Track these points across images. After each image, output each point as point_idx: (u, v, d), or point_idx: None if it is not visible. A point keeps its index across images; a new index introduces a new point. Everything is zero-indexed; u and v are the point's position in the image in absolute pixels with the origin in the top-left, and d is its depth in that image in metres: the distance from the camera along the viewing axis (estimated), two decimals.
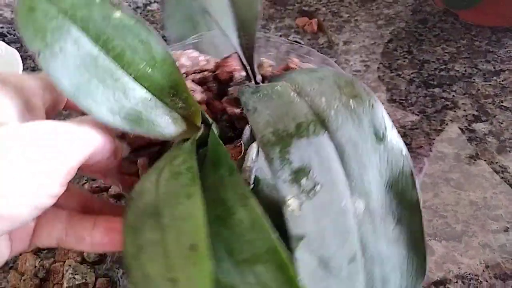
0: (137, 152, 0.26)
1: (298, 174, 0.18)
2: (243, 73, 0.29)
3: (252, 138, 0.24)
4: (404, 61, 0.57)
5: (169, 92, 0.23)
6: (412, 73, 0.55)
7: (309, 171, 0.18)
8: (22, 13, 0.18)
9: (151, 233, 0.17)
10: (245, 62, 0.27)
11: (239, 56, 0.26)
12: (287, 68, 0.31)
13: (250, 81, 0.28)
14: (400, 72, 0.55)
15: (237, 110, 0.27)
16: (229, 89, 0.28)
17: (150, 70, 0.22)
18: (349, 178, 0.18)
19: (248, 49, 0.26)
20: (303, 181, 0.18)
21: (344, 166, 0.18)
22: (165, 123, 0.22)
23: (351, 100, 0.19)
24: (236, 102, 0.27)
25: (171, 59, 0.22)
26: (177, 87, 0.23)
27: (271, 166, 0.18)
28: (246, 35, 0.26)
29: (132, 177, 0.26)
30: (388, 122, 0.19)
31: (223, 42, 0.34)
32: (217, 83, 0.29)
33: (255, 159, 0.21)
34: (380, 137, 0.19)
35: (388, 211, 0.19)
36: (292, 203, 0.17)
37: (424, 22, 0.63)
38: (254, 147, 0.22)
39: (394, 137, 0.19)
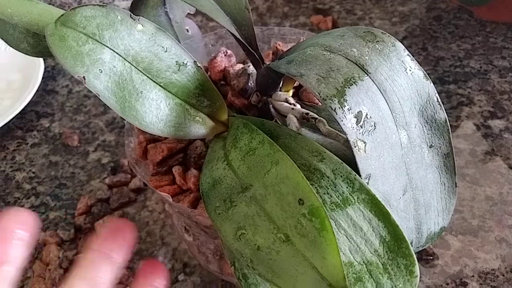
0: (162, 164, 0.27)
1: (359, 117, 0.20)
2: (238, 67, 0.29)
3: (280, 114, 0.26)
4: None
5: (195, 92, 0.24)
6: (427, 70, 0.55)
7: (366, 113, 0.20)
8: (56, 44, 0.19)
9: (247, 208, 0.19)
10: (252, 50, 0.27)
11: (244, 46, 0.27)
12: (275, 52, 0.32)
13: (257, 68, 0.28)
14: None
15: (245, 101, 0.28)
16: (232, 82, 0.29)
17: (175, 75, 0.23)
18: (393, 113, 0.21)
19: (249, 39, 0.27)
20: (364, 123, 0.20)
21: (388, 102, 0.21)
22: (197, 125, 0.24)
23: (376, 44, 0.21)
24: (241, 93, 0.28)
25: (192, 60, 0.23)
26: (201, 86, 0.24)
27: (336, 116, 0.19)
28: (244, 27, 0.27)
29: (166, 187, 0.27)
30: (409, 55, 0.22)
31: (201, 46, 0.35)
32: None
33: (298, 126, 0.23)
34: (407, 69, 0.21)
35: (422, 138, 0.22)
36: (360, 145, 0.19)
37: (439, 19, 0.63)
38: (291, 117, 0.24)
39: (416, 67, 0.22)
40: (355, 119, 0.20)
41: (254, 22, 0.66)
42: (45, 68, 0.59)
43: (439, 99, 0.22)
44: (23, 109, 0.53)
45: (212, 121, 0.25)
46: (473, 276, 0.37)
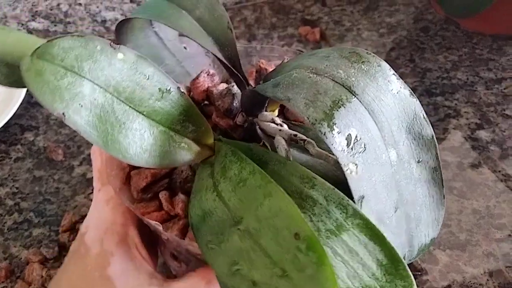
0: (147, 190, 0.27)
1: (349, 140, 0.20)
2: (221, 86, 0.29)
3: (267, 135, 0.26)
4: (406, 69, 0.57)
5: (179, 118, 0.23)
6: (414, 82, 0.55)
7: (355, 135, 0.20)
8: (32, 79, 0.18)
9: (241, 243, 0.18)
10: (235, 71, 0.27)
11: (227, 67, 0.27)
12: (259, 70, 0.32)
13: (241, 88, 0.28)
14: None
15: (230, 122, 0.27)
16: (217, 102, 0.29)
17: (159, 103, 0.22)
18: (382, 132, 0.21)
19: (233, 59, 0.27)
20: (354, 145, 0.20)
21: (376, 122, 0.21)
22: (182, 151, 0.23)
23: (362, 65, 0.22)
24: (226, 114, 0.28)
25: (175, 86, 0.23)
26: (186, 111, 0.23)
27: (327, 140, 0.19)
28: (227, 47, 0.27)
29: (154, 213, 0.26)
30: (394, 74, 0.22)
31: (207, 63, 0.35)
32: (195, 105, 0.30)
33: (287, 148, 0.23)
34: (393, 89, 0.22)
35: (410, 154, 0.22)
36: (351, 167, 0.19)
37: (426, 30, 0.63)
38: (279, 139, 0.24)
39: (402, 86, 0.22)
40: (346, 142, 0.20)
41: (243, 33, 0.66)
42: None
43: (425, 116, 0.22)
44: (6, 122, 0.52)
45: (198, 146, 0.24)
46: None
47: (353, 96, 0.20)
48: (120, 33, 0.28)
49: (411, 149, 0.22)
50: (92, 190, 0.46)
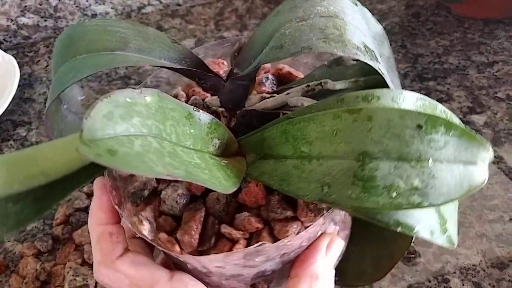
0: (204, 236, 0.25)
1: (364, 47, 0.23)
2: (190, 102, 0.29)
3: (268, 113, 0.27)
4: (398, 55, 0.57)
5: (208, 138, 0.23)
6: (406, 67, 0.55)
7: (365, 43, 0.24)
8: (114, 161, 0.16)
9: (385, 170, 0.20)
10: (207, 73, 0.27)
11: (194, 75, 0.27)
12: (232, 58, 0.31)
13: (219, 86, 0.28)
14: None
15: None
16: None
17: (193, 131, 0.22)
18: (367, 36, 0.25)
19: (198, 64, 0.26)
20: (367, 50, 0.24)
21: (361, 30, 0.24)
22: (227, 169, 0.22)
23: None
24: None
25: (189, 107, 0.22)
26: (208, 128, 0.23)
27: (366, 55, 0.24)
28: (185, 59, 0.26)
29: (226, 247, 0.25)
30: None
31: None
32: None
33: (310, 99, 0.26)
34: (356, 4, 0.26)
35: (377, 50, 0.25)
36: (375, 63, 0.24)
37: (417, 16, 0.63)
38: (296, 99, 0.26)
39: (356, 2, 0.26)
40: (364, 48, 0.23)
41: (234, 24, 0.66)
42: (21, 76, 0.58)
43: (372, 16, 0.27)
44: None
45: (230, 157, 0.24)
46: (454, 272, 0.37)
47: (343, 19, 0.24)
48: (48, 120, 0.27)
49: (376, 45, 0.25)
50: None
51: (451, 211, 0.23)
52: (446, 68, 0.55)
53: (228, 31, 0.64)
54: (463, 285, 0.36)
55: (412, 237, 0.29)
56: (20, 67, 0.58)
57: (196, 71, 0.26)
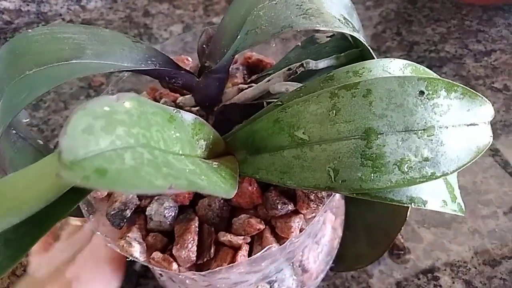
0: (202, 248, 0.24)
1: (343, 18, 0.23)
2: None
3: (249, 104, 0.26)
4: (393, 43, 0.55)
5: (194, 140, 0.21)
6: (401, 55, 0.53)
7: (344, 15, 0.23)
8: (105, 182, 0.14)
9: (396, 145, 0.19)
10: (179, 71, 0.25)
11: (164, 74, 0.25)
12: (201, 50, 0.29)
13: (192, 82, 0.26)
14: (389, 55, 0.53)
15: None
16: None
17: (178, 134, 0.19)
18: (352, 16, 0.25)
19: (167, 63, 0.25)
20: (346, 21, 0.24)
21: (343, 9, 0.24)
22: (219, 169, 0.21)
23: None
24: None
25: (171, 108, 0.20)
26: (195, 130, 0.21)
27: (346, 25, 0.24)
28: (151, 58, 0.24)
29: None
30: None
31: None
32: None
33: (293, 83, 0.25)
34: None
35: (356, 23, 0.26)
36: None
37: (413, 2, 0.61)
38: (279, 85, 0.24)
39: None
40: (343, 19, 0.23)
41: (224, 9, 0.63)
42: None
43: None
44: None
45: (218, 157, 0.22)
46: (445, 269, 0.36)
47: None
48: (1, 151, 0.24)
49: (349, 19, 0.25)
50: None
51: (453, 178, 0.23)
52: (442, 56, 0.53)
53: (217, 17, 0.62)
54: (453, 282, 0.35)
55: (407, 212, 0.28)
56: None
57: (165, 70, 0.24)
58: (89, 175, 0.13)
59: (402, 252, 0.37)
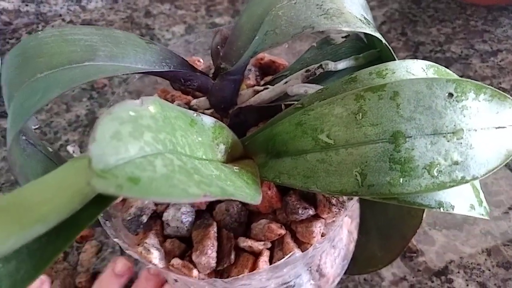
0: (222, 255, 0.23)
1: (364, 19, 0.22)
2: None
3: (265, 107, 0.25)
4: (398, 43, 0.54)
5: (214, 144, 0.20)
6: (407, 56, 0.53)
7: (365, 15, 0.23)
8: (139, 190, 0.13)
9: (424, 148, 0.18)
10: (194, 73, 0.24)
11: (179, 76, 0.24)
12: (216, 52, 0.28)
13: (207, 84, 0.25)
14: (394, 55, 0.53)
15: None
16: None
17: (200, 138, 0.19)
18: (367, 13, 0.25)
19: (182, 65, 0.24)
20: (367, 21, 0.23)
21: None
22: (241, 174, 0.20)
23: None
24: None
25: (191, 112, 0.20)
26: (213, 133, 0.20)
27: (365, 24, 0.22)
28: (165, 60, 0.24)
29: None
30: None
31: None
32: None
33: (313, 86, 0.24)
34: None
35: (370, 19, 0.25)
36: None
37: (418, 2, 0.61)
38: (297, 87, 0.24)
39: None
40: (365, 19, 0.22)
41: (226, 9, 0.63)
42: (1, 64, 0.55)
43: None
44: None
45: (236, 161, 0.21)
46: (458, 272, 0.35)
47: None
48: (11, 158, 0.23)
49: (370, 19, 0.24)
50: None
51: (477, 181, 0.22)
52: (448, 57, 0.53)
53: (220, 17, 0.61)
54: (468, 285, 0.35)
55: (423, 214, 0.28)
56: (1, 55, 0.55)
57: (180, 72, 0.23)
58: (122, 183, 0.12)
59: (415, 254, 0.36)
